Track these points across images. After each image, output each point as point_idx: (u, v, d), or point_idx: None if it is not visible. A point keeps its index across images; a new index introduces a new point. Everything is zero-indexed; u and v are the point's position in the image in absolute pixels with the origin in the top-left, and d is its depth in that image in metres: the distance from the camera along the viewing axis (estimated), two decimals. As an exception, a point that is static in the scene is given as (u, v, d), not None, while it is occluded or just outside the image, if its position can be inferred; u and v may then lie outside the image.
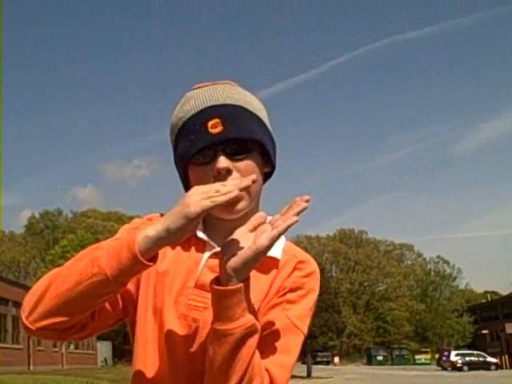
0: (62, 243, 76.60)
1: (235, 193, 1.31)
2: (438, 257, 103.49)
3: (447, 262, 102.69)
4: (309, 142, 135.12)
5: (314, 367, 54.59)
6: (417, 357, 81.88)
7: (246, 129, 1.51)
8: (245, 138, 1.51)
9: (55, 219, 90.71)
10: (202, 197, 1.30)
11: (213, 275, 1.40)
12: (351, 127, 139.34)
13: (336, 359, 79.52)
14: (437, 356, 67.68)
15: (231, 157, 1.50)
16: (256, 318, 1.37)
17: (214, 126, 1.48)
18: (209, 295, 1.40)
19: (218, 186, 1.34)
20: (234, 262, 1.32)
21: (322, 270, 61.96)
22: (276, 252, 1.55)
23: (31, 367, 40.91)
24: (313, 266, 1.60)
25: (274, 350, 1.46)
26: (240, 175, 1.49)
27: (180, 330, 1.50)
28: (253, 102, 1.60)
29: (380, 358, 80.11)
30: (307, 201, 1.32)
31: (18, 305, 41.93)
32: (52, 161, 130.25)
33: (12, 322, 41.06)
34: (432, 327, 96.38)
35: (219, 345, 1.34)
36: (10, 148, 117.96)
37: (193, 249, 1.58)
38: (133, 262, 1.32)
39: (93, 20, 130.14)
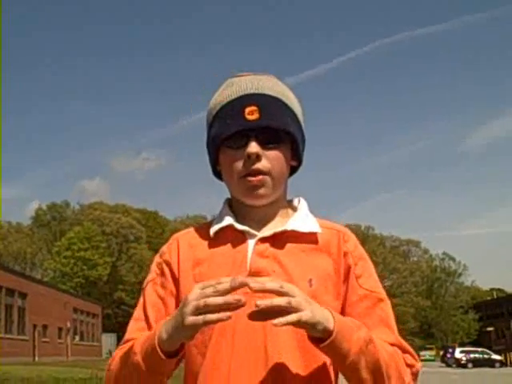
0: (68, 235, 76.93)
1: (227, 317, 1.32)
2: (444, 253, 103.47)
3: (453, 259, 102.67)
4: (315, 138, 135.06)
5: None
6: (421, 353, 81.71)
7: (281, 120, 1.57)
8: (278, 129, 1.56)
9: (62, 211, 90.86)
10: (194, 308, 1.33)
11: (264, 261, 1.55)
12: (360, 122, 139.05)
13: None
14: (441, 352, 67.60)
15: (263, 144, 1.56)
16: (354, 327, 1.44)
17: (251, 113, 1.54)
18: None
19: (207, 291, 1.34)
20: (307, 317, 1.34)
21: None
22: (314, 227, 1.64)
23: (36, 358, 41.09)
24: (351, 233, 1.71)
25: (378, 327, 1.57)
26: (268, 162, 1.56)
27: (244, 320, 1.47)
28: (290, 97, 1.67)
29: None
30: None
31: (23, 296, 42.13)
32: (61, 153, 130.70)
33: (18, 313, 41.20)
34: (437, 324, 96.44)
35: (355, 375, 1.44)
36: (21, 140, 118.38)
37: (234, 241, 1.62)
38: (162, 362, 1.42)
39: (106, 14, 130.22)
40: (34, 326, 43.55)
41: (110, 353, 63.90)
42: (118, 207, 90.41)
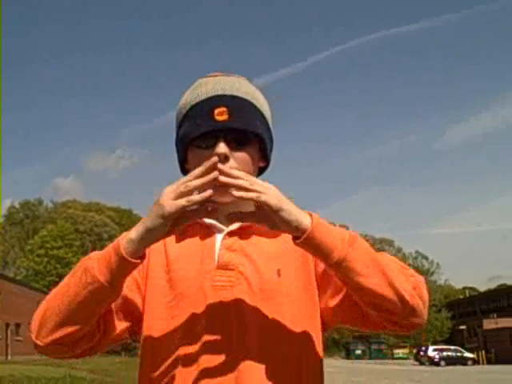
0: (41, 233, 76.40)
1: (209, 192, 1.37)
2: (417, 252, 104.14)
3: (426, 258, 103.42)
4: (291, 137, 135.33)
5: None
6: (395, 351, 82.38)
7: (250, 122, 1.57)
8: (247, 130, 1.57)
9: (35, 209, 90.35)
10: (175, 195, 1.37)
11: (232, 254, 1.56)
12: (333, 122, 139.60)
13: (314, 353, 79.65)
14: (415, 351, 68.12)
15: (231, 145, 1.56)
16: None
17: (220, 114, 1.54)
18: (232, 273, 1.54)
19: (184, 179, 1.39)
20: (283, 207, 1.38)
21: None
22: None
23: (9, 357, 40.77)
24: None
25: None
26: (236, 163, 1.55)
27: (213, 311, 1.52)
28: (259, 99, 1.67)
29: (358, 352, 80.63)
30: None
31: (-5, 294, 41.73)
32: (34, 151, 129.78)
33: (-10, 312, 40.83)
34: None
35: (348, 275, 1.41)
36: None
37: (202, 235, 1.63)
38: (122, 263, 1.40)
39: (76, 13, 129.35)
40: (7, 325, 43.23)
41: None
42: (91, 205, 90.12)
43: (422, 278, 1.54)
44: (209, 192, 1.37)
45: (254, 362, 1.48)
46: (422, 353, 60.89)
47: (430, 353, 59.18)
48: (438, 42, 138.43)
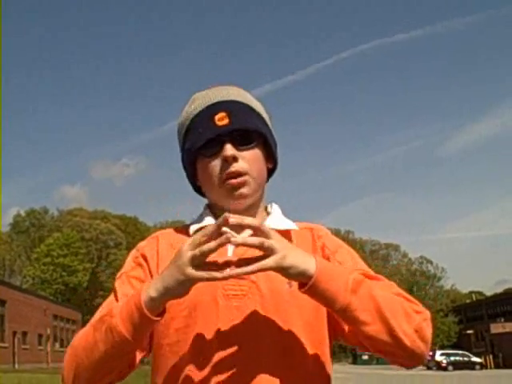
0: (47, 241, 76.38)
1: (224, 239, 1.34)
2: (422, 257, 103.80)
3: (430, 262, 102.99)
4: (296, 143, 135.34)
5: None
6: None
7: (251, 122, 1.61)
8: (250, 129, 1.60)
9: (41, 217, 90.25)
10: (192, 260, 1.36)
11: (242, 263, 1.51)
12: (339, 128, 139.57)
13: (321, 359, 79.49)
14: (422, 356, 67.79)
15: (237, 146, 1.58)
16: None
17: (221, 119, 1.56)
18: (245, 282, 1.54)
19: (198, 238, 1.38)
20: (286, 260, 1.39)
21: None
22: (291, 224, 1.68)
23: (16, 365, 40.74)
24: (324, 227, 1.75)
25: (380, 282, 1.56)
26: (246, 163, 1.58)
27: (225, 320, 1.52)
28: (257, 104, 1.70)
29: (365, 357, 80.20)
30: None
31: (2, 303, 41.79)
32: (41, 159, 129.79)
33: (-3, 321, 40.84)
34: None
35: (350, 321, 1.46)
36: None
37: None
38: (145, 321, 1.41)
39: (80, 19, 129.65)
40: (14, 333, 43.19)
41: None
42: (97, 213, 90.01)
43: (427, 315, 1.54)
44: (229, 275, 1.35)
45: (265, 374, 1.48)
46: (429, 357, 60.58)
47: (438, 357, 59.00)
48: (438, 48, 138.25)
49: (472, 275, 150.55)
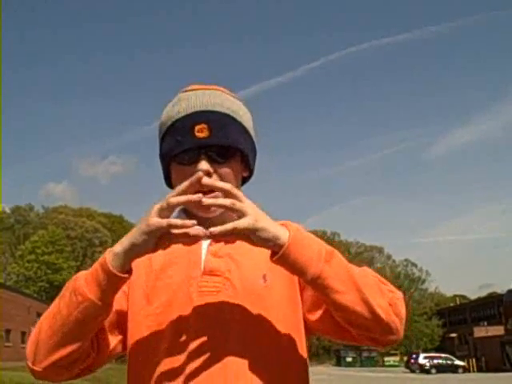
0: (32, 239, 76.05)
1: (190, 224, 1.37)
2: (406, 260, 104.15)
3: (415, 265, 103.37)
4: (282, 144, 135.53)
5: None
6: (386, 359, 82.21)
7: (231, 137, 1.59)
8: (228, 146, 1.59)
9: (26, 214, 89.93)
10: (159, 212, 1.38)
11: (218, 260, 1.58)
12: (325, 130, 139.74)
13: (305, 360, 79.48)
14: (405, 358, 68.07)
15: (213, 161, 1.58)
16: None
17: (201, 131, 1.55)
18: (219, 279, 1.57)
19: (169, 195, 1.40)
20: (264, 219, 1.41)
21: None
22: None
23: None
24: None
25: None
26: (219, 179, 1.57)
27: (198, 317, 1.54)
28: (240, 111, 1.68)
29: (349, 359, 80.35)
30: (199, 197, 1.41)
31: (-14, 300, 41.52)
32: (26, 156, 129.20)
33: (-20, 318, 40.62)
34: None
35: (323, 291, 1.44)
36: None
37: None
38: (110, 279, 1.42)
39: (67, 16, 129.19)
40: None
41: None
42: (82, 211, 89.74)
43: (400, 295, 1.57)
44: (190, 223, 1.37)
45: (238, 367, 1.50)
46: (412, 360, 60.88)
47: (421, 360, 59.22)
48: (425, 52, 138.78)
49: (456, 279, 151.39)
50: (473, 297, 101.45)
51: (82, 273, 1.49)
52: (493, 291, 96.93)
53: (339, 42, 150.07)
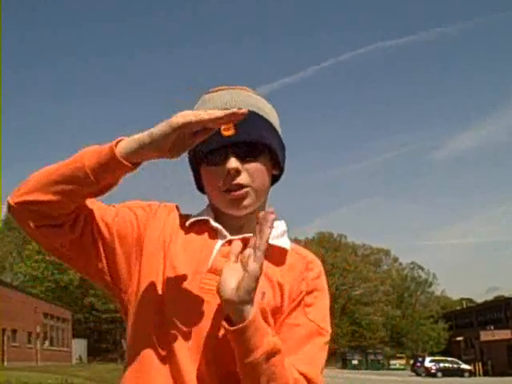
0: (39, 239, 75.91)
1: (219, 113, 1.39)
2: (413, 263, 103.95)
3: (421, 268, 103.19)
4: (289, 144, 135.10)
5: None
6: (391, 362, 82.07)
7: (257, 133, 1.61)
8: (255, 142, 1.61)
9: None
10: (189, 113, 1.41)
11: (225, 261, 1.52)
12: (328, 133, 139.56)
13: (311, 362, 79.38)
14: (411, 362, 67.98)
15: (241, 159, 1.60)
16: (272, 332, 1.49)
17: (227, 129, 1.56)
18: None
19: (206, 109, 1.45)
20: (238, 295, 1.41)
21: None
22: (284, 242, 1.67)
23: (5, 363, 40.62)
24: (319, 264, 1.72)
25: (303, 355, 1.57)
26: (248, 176, 1.61)
27: (194, 312, 1.56)
28: (265, 108, 1.70)
29: (355, 362, 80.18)
30: (272, 212, 1.45)
31: (-7, 299, 41.62)
32: (35, 154, 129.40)
33: (-13, 318, 40.70)
34: (407, 333, 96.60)
35: (250, 378, 1.46)
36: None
37: (206, 236, 1.66)
38: (110, 158, 1.42)
39: (69, 18, 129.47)
40: (3, 331, 43.09)
41: (81, 358, 63.46)
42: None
43: None
44: (220, 113, 1.39)
45: (221, 350, 1.52)
46: (418, 364, 60.82)
47: (427, 364, 59.14)
48: (432, 55, 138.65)
49: (462, 282, 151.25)
50: (479, 300, 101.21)
51: (98, 145, 1.50)
52: (500, 294, 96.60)
53: (343, 45, 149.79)
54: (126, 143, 1.44)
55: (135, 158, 1.45)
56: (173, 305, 1.57)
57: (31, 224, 1.53)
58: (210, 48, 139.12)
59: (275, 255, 1.63)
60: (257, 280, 1.42)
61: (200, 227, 1.68)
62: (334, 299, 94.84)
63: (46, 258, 73.01)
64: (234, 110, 1.41)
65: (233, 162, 1.58)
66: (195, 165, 1.68)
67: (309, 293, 1.65)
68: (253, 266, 1.42)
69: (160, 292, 1.59)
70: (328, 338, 1.65)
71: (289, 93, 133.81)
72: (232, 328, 1.42)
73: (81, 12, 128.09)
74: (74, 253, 1.60)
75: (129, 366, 1.61)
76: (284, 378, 1.47)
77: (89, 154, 1.46)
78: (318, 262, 1.73)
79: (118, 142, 1.45)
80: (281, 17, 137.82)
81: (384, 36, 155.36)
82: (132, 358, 1.60)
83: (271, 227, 1.44)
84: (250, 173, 1.61)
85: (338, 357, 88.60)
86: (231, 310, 1.43)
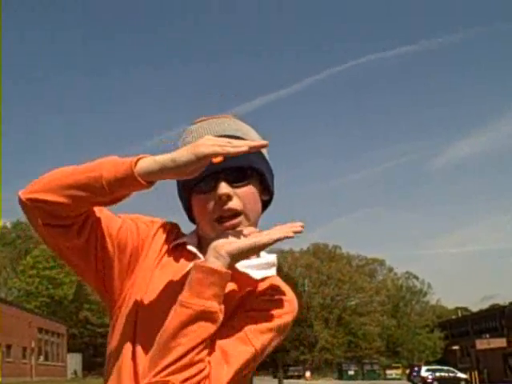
0: (33, 253, 75.94)
1: (245, 148, 1.44)
2: (407, 272, 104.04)
3: (416, 278, 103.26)
4: (283, 157, 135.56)
5: (286, 381, 54.58)
6: (388, 372, 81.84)
7: (245, 158, 1.59)
8: (244, 166, 1.62)
9: (27, 229, 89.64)
10: (213, 143, 1.43)
11: None
12: (326, 143, 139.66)
13: (307, 373, 79.36)
14: (407, 371, 67.78)
15: (232, 184, 1.60)
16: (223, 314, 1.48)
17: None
18: None
19: (228, 139, 1.48)
20: (228, 245, 1.48)
21: (295, 284, 61.84)
22: (256, 274, 1.63)
23: (0, 379, 40.41)
24: (286, 296, 1.66)
25: (220, 352, 1.52)
26: (240, 201, 1.61)
27: (153, 331, 1.55)
28: (251, 133, 1.71)
29: (351, 372, 79.99)
30: (302, 226, 1.50)
31: (-13, 315, 41.43)
32: (29, 170, 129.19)
33: (-19, 333, 40.53)
34: (403, 342, 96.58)
35: (175, 314, 1.46)
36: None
37: (184, 259, 1.67)
38: (128, 174, 1.44)
39: (72, 27, 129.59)
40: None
41: (76, 373, 63.19)
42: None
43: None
44: (245, 148, 1.45)
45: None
46: (414, 373, 60.59)
47: (423, 373, 58.94)
48: (428, 65, 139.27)
49: (458, 291, 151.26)
50: (475, 309, 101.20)
51: (120, 157, 1.51)
52: (495, 303, 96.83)
53: (342, 55, 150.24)
54: (147, 163, 1.45)
55: (153, 178, 1.46)
56: (144, 325, 1.59)
57: (39, 221, 1.55)
58: (206, 61, 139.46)
59: (244, 280, 1.62)
60: (254, 248, 1.49)
61: (182, 249, 1.69)
62: (329, 310, 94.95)
63: (40, 272, 72.95)
64: (257, 142, 1.49)
65: (223, 188, 1.58)
66: (185, 194, 1.69)
67: (255, 310, 1.61)
68: (262, 237, 1.49)
69: (135, 311, 1.61)
70: (251, 351, 1.55)
71: (288, 104, 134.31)
72: (200, 262, 1.48)
73: (82, 29, 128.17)
74: (76, 256, 1.62)
75: (108, 378, 1.64)
76: (196, 346, 1.44)
77: (108, 166, 1.46)
78: (288, 294, 1.67)
79: (138, 160, 1.46)
80: (280, 28, 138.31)
81: (383, 46, 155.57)
82: (109, 372, 1.63)
83: (294, 233, 1.49)
84: (241, 197, 1.61)
85: (334, 367, 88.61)
86: (210, 252, 1.49)
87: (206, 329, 1.45)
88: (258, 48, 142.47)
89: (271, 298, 1.63)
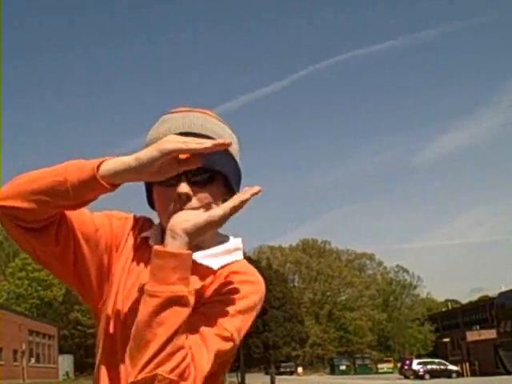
0: (22, 256, 75.55)
1: (209, 145, 1.42)
2: (398, 266, 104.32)
3: (406, 271, 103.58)
4: (272, 153, 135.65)
5: (278, 377, 54.59)
6: (379, 366, 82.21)
7: (212, 160, 1.57)
8: (208, 168, 1.59)
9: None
10: (178, 140, 1.43)
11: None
12: (313, 138, 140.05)
13: (299, 369, 79.70)
14: (399, 365, 68.02)
15: (193, 184, 1.59)
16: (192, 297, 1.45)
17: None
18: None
19: (194, 138, 1.47)
20: (184, 223, 1.44)
21: (285, 281, 61.85)
22: (213, 263, 1.64)
23: (-9, 382, 40.21)
24: (248, 277, 1.65)
25: (195, 339, 1.49)
26: (199, 202, 1.59)
27: (115, 324, 1.62)
28: (224, 133, 1.68)
29: (343, 367, 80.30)
30: (259, 189, 1.45)
31: (-23, 319, 41.27)
32: (17, 170, 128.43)
33: (-29, 337, 40.36)
34: (394, 336, 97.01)
35: (144, 305, 1.42)
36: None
37: (147, 251, 1.63)
38: (91, 178, 1.43)
39: (63, 19, 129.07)
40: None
41: (68, 374, 63.02)
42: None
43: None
44: (209, 144, 1.43)
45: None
46: (406, 366, 60.91)
47: (415, 366, 59.27)
48: (411, 59, 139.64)
49: (447, 284, 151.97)
50: (464, 301, 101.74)
51: (85, 160, 1.49)
52: (484, 295, 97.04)
53: (326, 51, 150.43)
54: (110, 165, 1.44)
55: (117, 179, 1.45)
56: (123, 322, 1.60)
57: (12, 225, 1.54)
58: (190, 60, 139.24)
59: (203, 271, 1.63)
60: (211, 223, 1.44)
61: (147, 244, 1.69)
62: (320, 305, 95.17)
63: (29, 274, 72.73)
64: (221, 140, 1.44)
65: (184, 187, 1.57)
66: (147, 184, 1.70)
67: (221, 294, 1.60)
68: (215, 210, 1.45)
69: (115, 309, 1.63)
70: (227, 335, 1.54)
71: (273, 101, 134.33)
72: (157, 247, 1.44)
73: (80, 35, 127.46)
74: (55, 261, 1.62)
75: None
76: (173, 334, 1.41)
77: (72, 169, 1.45)
78: (250, 275, 1.67)
79: (101, 163, 1.44)
80: (259, 28, 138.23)
81: (367, 41, 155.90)
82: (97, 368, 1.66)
83: (246, 195, 1.44)
84: (200, 199, 1.59)
85: (326, 363, 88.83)
86: (168, 233, 1.45)
87: (179, 314, 1.41)
88: (241, 46, 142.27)
89: (234, 281, 1.62)
